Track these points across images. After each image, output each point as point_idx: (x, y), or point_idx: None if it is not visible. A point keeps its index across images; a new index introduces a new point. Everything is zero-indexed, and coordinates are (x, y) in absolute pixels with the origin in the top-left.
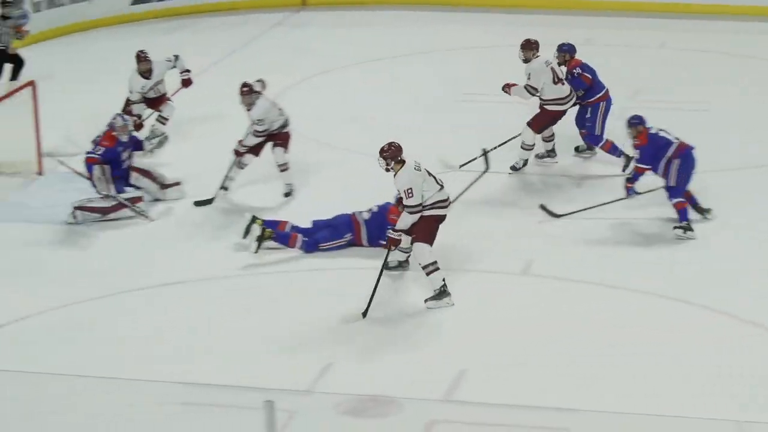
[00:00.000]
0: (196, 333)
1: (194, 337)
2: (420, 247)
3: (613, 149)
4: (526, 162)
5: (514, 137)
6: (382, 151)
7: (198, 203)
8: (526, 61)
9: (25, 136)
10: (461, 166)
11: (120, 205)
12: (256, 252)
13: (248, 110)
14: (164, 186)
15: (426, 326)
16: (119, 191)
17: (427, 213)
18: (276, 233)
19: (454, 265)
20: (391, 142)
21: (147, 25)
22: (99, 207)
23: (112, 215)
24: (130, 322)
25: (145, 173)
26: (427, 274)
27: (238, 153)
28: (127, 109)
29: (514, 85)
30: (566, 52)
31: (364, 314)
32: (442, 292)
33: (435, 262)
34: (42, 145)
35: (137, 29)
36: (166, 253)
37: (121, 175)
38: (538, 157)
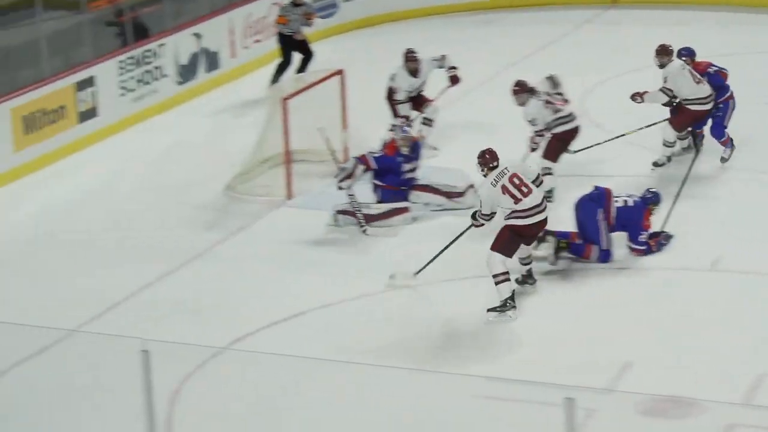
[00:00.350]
0: (489, 326)
1: (484, 331)
2: (491, 255)
3: (730, 143)
4: (669, 159)
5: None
6: (478, 157)
7: None
8: (662, 66)
9: (331, 125)
10: (575, 151)
11: (385, 214)
12: (554, 264)
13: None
14: (453, 195)
15: (726, 328)
16: (385, 200)
17: (507, 222)
18: (571, 244)
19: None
20: (486, 150)
21: (456, 18)
22: (363, 214)
23: (375, 224)
24: (431, 313)
25: (428, 189)
26: (496, 283)
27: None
28: (393, 109)
29: (645, 92)
30: (687, 56)
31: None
32: (505, 305)
33: (506, 273)
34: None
35: (446, 21)
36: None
37: (397, 185)
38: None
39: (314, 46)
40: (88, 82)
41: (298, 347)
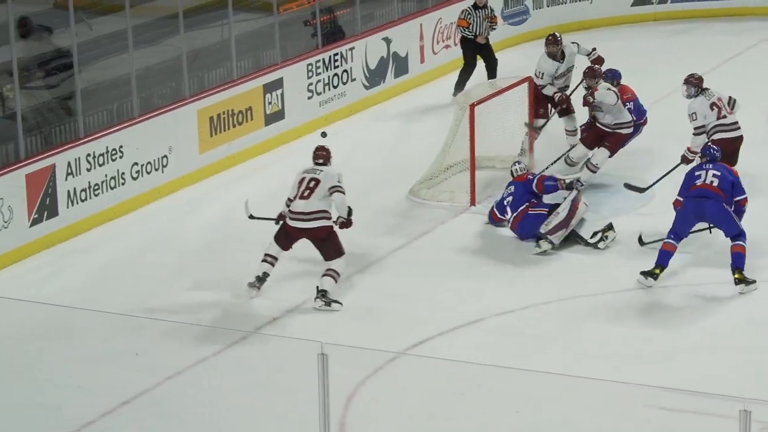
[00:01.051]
0: (683, 335)
1: (673, 340)
2: None
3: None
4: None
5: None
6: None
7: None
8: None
9: (518, 132)
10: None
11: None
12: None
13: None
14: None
15: None
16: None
17: None
18: None
19: None
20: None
21: (648, 27)
22: (558, 224)
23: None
24: (607, 323)
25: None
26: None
27: (685, 160)
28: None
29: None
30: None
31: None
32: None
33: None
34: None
35: (637, 31)
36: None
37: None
38: None
39: (504, 54)
40: (277, 84)
41: (476, 353)
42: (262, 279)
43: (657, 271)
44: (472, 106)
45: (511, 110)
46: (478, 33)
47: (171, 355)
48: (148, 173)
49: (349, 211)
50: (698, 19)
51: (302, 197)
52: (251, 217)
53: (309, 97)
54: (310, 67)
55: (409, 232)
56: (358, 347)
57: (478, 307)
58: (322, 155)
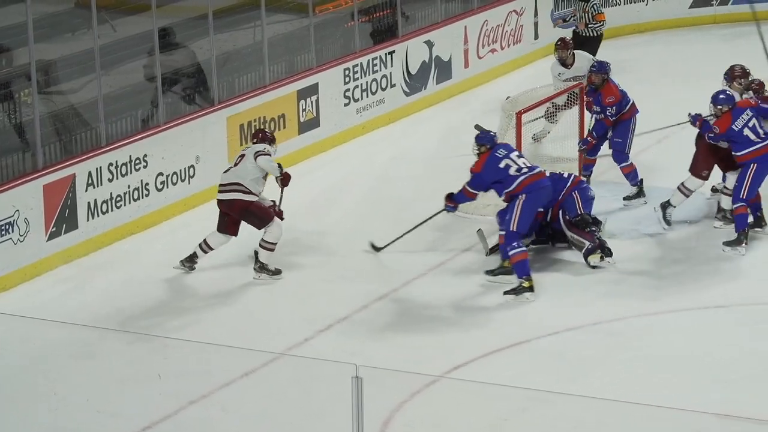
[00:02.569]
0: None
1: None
2: None
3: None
4: None
5: None
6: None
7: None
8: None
9: (568, 136)
10: None
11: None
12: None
13: None
14: None
15: None
16: None
17: None
18: None
19: None
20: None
21: (706, 30)
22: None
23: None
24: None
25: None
26: None
27: None
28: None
29: None
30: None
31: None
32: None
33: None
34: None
35: (695, 34)
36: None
37: None
38: None
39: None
40: (311, 90)
41: (519, 377)
42: (188, 260)
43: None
44: (519, 114)
45: (561, 117)
46: (577, 26)
47: (196, 378)
48: (174, 184)
49: (281, 168)
50: (761, 21)
51: (225, 171)
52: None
53: (346, 104)
54: (347, 72)
55: (452, 246)
56: (394, 370)
57: (521, 328)
58: (257, 135)
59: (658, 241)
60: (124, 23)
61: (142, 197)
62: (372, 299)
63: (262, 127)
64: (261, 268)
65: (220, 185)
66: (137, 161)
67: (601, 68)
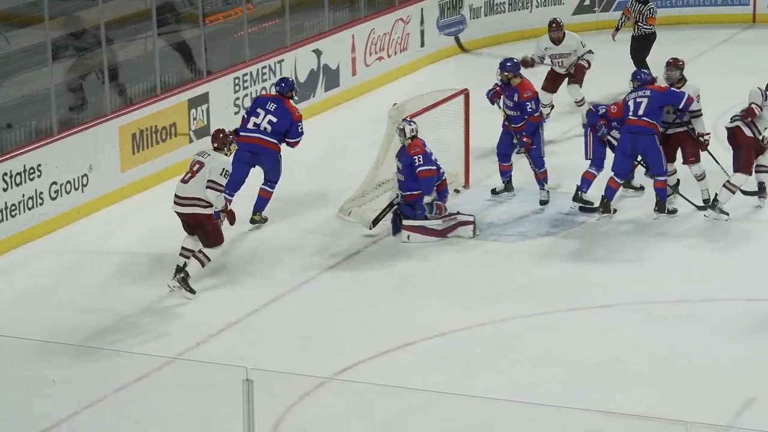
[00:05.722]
0: (617, 359)
1: (627, 363)
2: None
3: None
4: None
5: None
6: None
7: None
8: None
9: (456, 147)
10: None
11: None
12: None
13: None
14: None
15: None
16: None
17: None
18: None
19: None
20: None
21: (590, 36)
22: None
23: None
24: (556, 342)
25: None
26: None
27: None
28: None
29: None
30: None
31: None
32: None
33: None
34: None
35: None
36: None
37: None
38: None
39: (440, 65)
40: (202, 99)
41: (407, 378)
42: (179, 270)
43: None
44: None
45: (445, 124)
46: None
47: (91, 383)
48: (68, 193)
49: (225, 205)
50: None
51: (183, 180)
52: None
53: (236, 112)
54: (237, 81)
55: (339, 252)
56: (284, 372)
57: (409, 330)
58: (217, 138)
59: (544, 243)
60: (18, 35)
61: (37, 206)
62: (262, 303)
63: (155, 135)
64: (183, 281)
65: (178, 196)
66: (31, 171)
67: (511, 66)
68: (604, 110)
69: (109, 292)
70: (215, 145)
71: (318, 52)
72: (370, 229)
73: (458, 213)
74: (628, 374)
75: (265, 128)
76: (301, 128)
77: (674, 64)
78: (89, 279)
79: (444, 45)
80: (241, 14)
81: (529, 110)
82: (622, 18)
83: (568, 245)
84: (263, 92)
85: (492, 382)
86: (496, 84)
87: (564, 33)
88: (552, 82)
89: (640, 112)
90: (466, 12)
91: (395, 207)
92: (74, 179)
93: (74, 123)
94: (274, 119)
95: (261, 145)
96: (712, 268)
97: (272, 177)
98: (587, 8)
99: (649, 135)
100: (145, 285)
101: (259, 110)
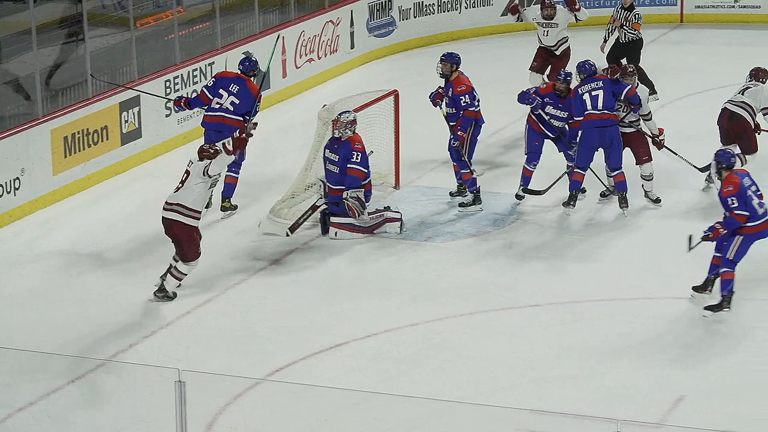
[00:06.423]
0: (547, 358)
1: (557, 361)
2: None
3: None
4: None
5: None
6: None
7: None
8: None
9: (386, 147)
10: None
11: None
12: None
13: None
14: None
15: None
16: None
17: None
18: None
19: None
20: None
21: (514, 38)
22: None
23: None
24: (486, 342)
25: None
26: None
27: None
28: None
29: None
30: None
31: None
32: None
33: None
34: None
35: (505, 41)
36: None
37: None
38: None
39: (371, 66)
40: (133, 102)
41: (339, 379)
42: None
43: None
44: (335, 122)
45: (375, 125)
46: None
47: (23, 386)
48: (0, 196)
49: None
50: (569, 29)
51: (175, 189)
52: None
53: (167, 115)
54: (168, 84)
55: (270, 253)
56: (217, 374)
57: (341, 331)
58: (200, 153)
59: (475, 243)
60: None
61: None
62: (195, 305)
63: (87, 138)
64: (158, 292)
65: (166, 202)
66: None
67: (450, 57)
68: (534, 89)
69: (42, 294)
70: (199, 158)
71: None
72: (288, 236)
73: (386, 209)
74: (559, 373)
75: (227, 108)
76: (259, 107)
77: (631, 73)
78: (22, 281)
79: (373, 46)
80: (171, 17)
81: (463, 104)
82: (609, 27)
83: (498, 245)
84: (223, 71)
85: (423, 382)
86: (440, 87)
87: (556, 11)
88: (541, 61)
89: (600, 105)
90: (396, 14)
91: (319, 209)
92: (6, 183)
93: (6, 127)
94: (237, 101)
95: (225, 123)
96: (643, 267)
97: (237, 159)
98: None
99: (614, 126)
100: (78, 287)
101: (221, 91)
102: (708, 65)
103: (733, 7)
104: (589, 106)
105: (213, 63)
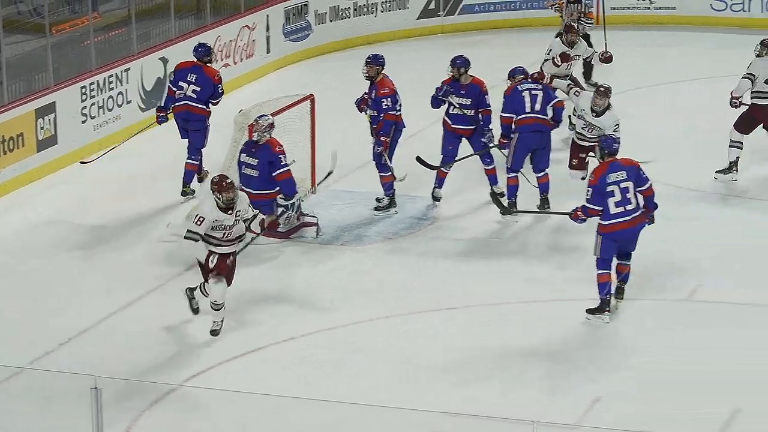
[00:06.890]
0: (463, 360)
1: (474, 364)
2: None
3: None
4: None
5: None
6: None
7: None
8: None
9: (302, 152)
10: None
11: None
12: None
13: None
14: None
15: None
16: None
17: None
18: None
19: None
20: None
21: (435, 40)
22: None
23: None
24: (403, 344)
25: None
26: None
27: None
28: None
29: None
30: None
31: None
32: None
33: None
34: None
35: (422, 44)
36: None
37: None
38: None
39: (286, 70)
40: (49, 109)
41: (257, 384)
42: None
43: None
44: (251, 126)
45: (291, 130)
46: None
47: None
48: None
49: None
50: (486, 30)
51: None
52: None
53: (83, 121)
54: (84, 90)
55: (186, 259)
56: (132, 380)
57: (258, 335)
58: (212, 184)
59: (392, 246)
60: None
61: None
62: (111, 312)
63: (2, 146)
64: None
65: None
66: None
67: (376, 60)
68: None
69: None
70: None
71: (164, 60)
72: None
73: (301, 214)
74: (475, 375)
75: (191, 96)
76: (221, 89)
77: (604, 93)
78: None
79: (290, 51)
80: (87, 23)
81: (384, 107)
82: (563, 20)
83: (416, 248)
84: (180, 62)
85: (341, 385)
86: (364, 92)
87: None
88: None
89: (537, 107)
90: (312, 18)
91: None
92: None
93: None
94: (198, 88)
95: (191, 111)
96: (564, 268)
97: (197, 144)
98: (432, 12)
99: (548, 132)
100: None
101: (181, 83)
102: (624, 66)
103: (649, 8)
104: (527, 107)
105: (129, 69)
